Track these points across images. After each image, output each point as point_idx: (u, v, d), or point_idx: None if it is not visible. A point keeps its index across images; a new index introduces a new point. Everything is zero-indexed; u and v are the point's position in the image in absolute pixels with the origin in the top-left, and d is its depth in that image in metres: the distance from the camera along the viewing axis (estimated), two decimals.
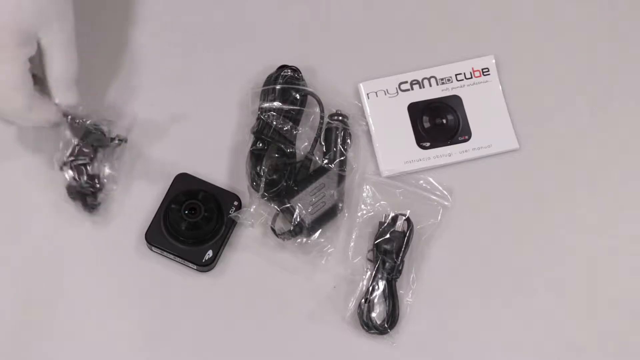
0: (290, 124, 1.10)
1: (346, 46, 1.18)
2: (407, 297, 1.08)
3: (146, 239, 1.08)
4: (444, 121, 1.15)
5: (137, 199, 1.11)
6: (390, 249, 1.08)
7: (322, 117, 1.12)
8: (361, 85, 1.15)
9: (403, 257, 1.08)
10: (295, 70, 1.12)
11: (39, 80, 1.04)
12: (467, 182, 1.13)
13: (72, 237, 1.10)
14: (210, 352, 1.07)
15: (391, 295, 1.07)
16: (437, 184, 1.12)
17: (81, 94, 1.06)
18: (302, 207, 1.08)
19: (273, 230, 1.08)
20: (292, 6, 1.19)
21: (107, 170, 1.09)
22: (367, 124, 1.14)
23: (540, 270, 1.10)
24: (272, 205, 1.08)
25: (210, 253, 1.08)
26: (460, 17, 1.19)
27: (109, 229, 1.10)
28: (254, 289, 1.09)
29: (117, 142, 1.08)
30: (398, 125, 1.15)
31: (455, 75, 1.16)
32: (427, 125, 1.15)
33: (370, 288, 1.08)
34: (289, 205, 1.08)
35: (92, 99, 1.11)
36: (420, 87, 1.16)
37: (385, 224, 1.09)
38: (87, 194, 1.07)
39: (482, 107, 1.15)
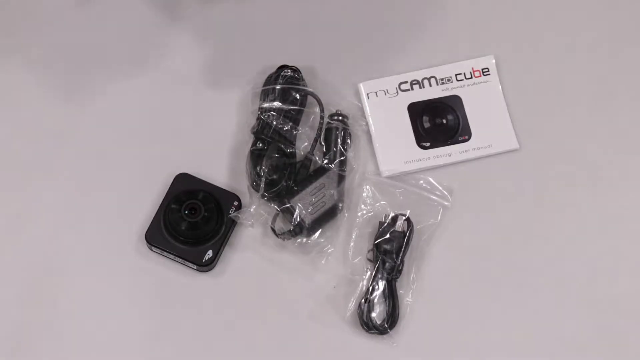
0: (290, 124, 1.10)
1: (346, 46, 1.18)
2: (407, 297, 1.08)
3: (146, 239, 1.08)
4: (444, 121, 1.15)
5: (137, 199, 1.11)
6: (390, 249, 1.08)
7: (322, 117, 1.12)
8: (361, 85, 1.15)
9: (403, 257, 1.08)
10: (295, 70, 1.12)
11: None
12: (467, 182, 1.13)
13: (72, 237, 1.10)
14: (210, 352, 1.07)
15: (391, 295, 1.07)
16: (437, 184, 1.12)
17: None
18: (302, 207, 1.08)
19: (273, 230, 1.08)
20: (292, 6, 1.19)
21: None
22: (367, 124, 1.14)
23: (540, 270, 1.10)
24: (272, 205, 1.08)
25: (210, 253, 1.08)
26: (460, 17, 1.19)
27: (109, 229, 1.10)
28: (254, 289, 1.09)
29: None
30: (398, 125, 1.15)
31: (455, 75, 1.16)
32: (427, 125, 1.15)
33: (370, 288, 1.08)
34: (289, 205, 1.08)
35: None
36: (420, 87, 1.16)
37: (385, 224, 1.09)
38: None
39: (482, 107, 1.15)
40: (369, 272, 1.09)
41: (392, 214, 1.10)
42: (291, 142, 1.10)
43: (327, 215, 1.09)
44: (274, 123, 1.10)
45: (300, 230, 1.08)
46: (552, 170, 1.14)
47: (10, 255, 1.10)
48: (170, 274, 1.09)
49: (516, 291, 1.10)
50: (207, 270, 1.09)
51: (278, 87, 1.11)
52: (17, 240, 1.10)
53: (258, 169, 1.08)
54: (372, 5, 1.19)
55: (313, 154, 1.11)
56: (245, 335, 1.08)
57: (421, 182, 1.12)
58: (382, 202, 1.11)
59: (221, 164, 1.12)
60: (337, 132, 1.11)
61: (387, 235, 1.09)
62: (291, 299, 1.09)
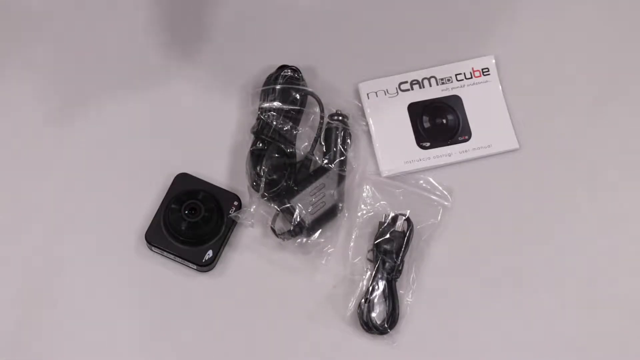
0: (290, 124, 1.10)
1: (346, 46, 1.18)
2: (407, 297, 1.08)
3: (146, 239, 1.08)
4: (444, 121, 1.15)
5: (137, 199, 1.11)
6: (390, 249, 1.08)
7: (322, 117, 1.12)
8: (361, 85, 1.15)
9: (403, 257, 1.08)
10: (295, 70, 1.12)
11: None
12: (467, 182, 1.13)
13: (72, 237, 1.10)
14: (210, 352, 1.07)
15: (391, 295, 1.07)
16: (437, 184, 1.12)
17: None
18: (302, 207, 1.08)
19: (273, 230, 1.08)
20: (292, 6, 1.19)
21: None
22: (367, 124, 1.14)
23: (540, 270, 1.10)
24: (272, 205, 1.08)
25: (210, 253, 1.08)
26: (460, 17, 1.19)
27: (109, 229, 1.10)
28: (254, 289, 1.09)
29: None
30: (398, 125, 1.15)
31: (455, 75, 1.16)
32: (427, 125, 1.15)
33: (370, 288, 1.08)
34: (289, 205, 1.08)
35: None
36: (420, 87, 1.16)
37: (385, 224, 1.09)
38: None
39: (482, 107, 1.15)
40: (369, 272, 1.09)
41: (392, 214, 1.10)
42: (291, 142, 1.10)
43: (327, 215, 1.09)
44: (274, 123, 1.10)
45: (300, 230, 1.08)
46: (552, 170, 1.14)
47: (10, 255, 1.10)
48: (170, 274, 1.09)
49: (516, 291, 1.10)
50: (207, 270, 1.09)
51: (278, 87, 1.11)
52: (17, 240, 1.10)
53: (258, 169, 1.08)
54: (372, 6, 1.19)
55: (313, 154, 1.11)
56: (245, 335, 1.08)
57: (421, 182, 1.12)
58: (382, 202, 1.11)
59: (221, 164, 1.12)
60: (337, 132, 1.11)
61: (387, 235, 1.09)
62: (291, 299, 1.09)
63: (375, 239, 1.09)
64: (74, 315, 1.08)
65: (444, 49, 1.17)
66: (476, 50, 1.17)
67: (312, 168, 1.11)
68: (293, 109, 1.11)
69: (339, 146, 1.11)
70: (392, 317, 1.07)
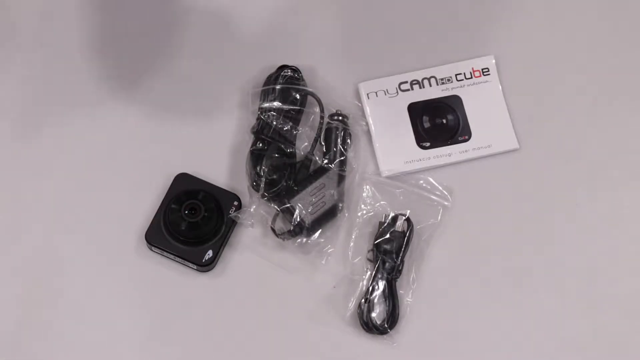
0: (290, 124, 1.10)
1: (346, 46, 1.18)
2: (407, 297, 1.08)
3: (146, 239, 1.08)
4: (444, 121, 1.15)
5: (137, 199, 1.11)
6: (390, 249, 1.08)
7: (322, 117, 1.12)
8: (361, 85, 1.15)
9: (403, 257, 1.08)
10: (295, 70, 1.12)
11: None
12: (467, 182, 1.13)
13: (73, 237, 1.10)
14: (210, 352, 1.07)
15: (391, 295, 1.07)
16: (437, 184, 1.12)
17: None
18: (302, 207, 1.08)
19: (273, 230, 1.08)
20: (292, 6, 1.19)
21: None
22: (367, 124, 1.14)
23: (540, 270, 1.10)
24: (272, 205, 1.08)
25: (210, 253, 1.08)
26: (460, 17, 1.19)
27: (109, 229, 1.10)
28: (254, 289, 1.09)
29: None
30: (398, 125, 1.15)
31: (455, 75, 1.16)
32: (427, 125, 1.15)
33: (370, 288, 1.08)
34: (289, 205, 1.08)
35: None
36: (420, 87, 1.16)
37: (385, 224, 1.09)
38: None
39: (482, 107, 1.15)
40: (369, 272, 1.09)
41: (392, 214, 1.10)
42: (291, 142, 1.10)
43: (327, 215, 1.09)
44: (274, 123, 1.10)
45: (300, 230, 1.08)
46: (552, 170, 1.14)
47: (10, 255, 1.10)
48: (170, 274, 1.09)
49: (516, 291, 1.10)
50: (207, 270, 1.09)
51: (278, 87, 1.11)
52: (17, 240, 1.10)
53: (258, 169, 1.08)
54: (372, 6, 1.19)
55: (313, 154, 1.11)
56: (245, 335, 1.08)
57: (421, 182, 1.12)
58: (382, 202, 1.11)
59: (221, 164, 1.12)
60: (337, 132, 1.11)
61: (387, 235, 1.09)
62: (291, 299, 1.09)
63: (375, 239, 1.09)
64: (74, 315, 1.08)
65: (444, 49, 1.17)
66: (476, 50, 1.17)
67: (312, 168, 1.11)
68: (293, 109, 1.11)
69: (339, 146, 1.11)
70: (392, 317, 1.07)
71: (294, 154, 1.10)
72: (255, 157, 1.09)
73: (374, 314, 1.07)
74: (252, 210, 1.09)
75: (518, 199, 1.13)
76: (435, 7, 1.19)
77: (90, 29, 1.17)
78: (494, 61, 1.17)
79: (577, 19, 1.19)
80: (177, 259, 1.08)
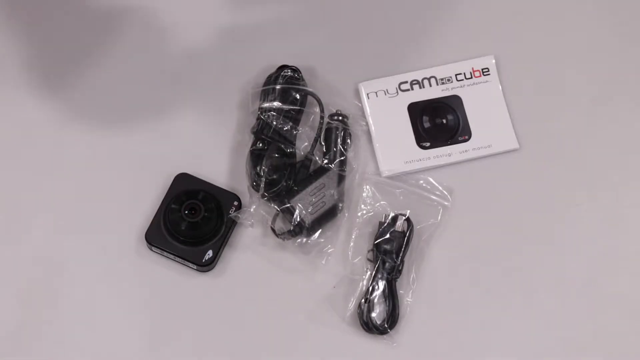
0: (290, 124, 1.10)
1: (346, 46, 1.18)
2: (407, 297, 1.08)
3: (146, 239, 1.08)
4: (444, 121, 1.15)
5: (137, 199, 1.11)
6: (390, 249, 1.08)
7: (322, 117, 1.12)
8: (361, 85, 1.15)
9: (403, 257, 1.08)
10: (295, 70, 1.12)
11: None
12: (467, 182, 1.13)
13: (73, 237, 1.10)
14: (210, 352, 1.07)
15: (391, 295, 1.07)
16: (437, 184, 1.12)
17: None
18: (302, 207, 1.08)
19: (273, 230, 1.08)
20: (292, 6, 1.19)
21: None
22: (367, 124, 1.14)
23: (540, 270, 1.10)
24: (272, 205, 1.08)
25: (210, 253, 1.08)
26: (460, 17, 1.19)
27: (109, 229, 1.10)
28: (254, 289, 1.09)
29: None
30: (398, 125, 1.15)
31: (455, 75, 1.16)
32: (427, 125, 1.15)
33: (370, 288, 1.08)
34: (289, 205, 1.08)
35: None
36: (420, 87, 1.16)
37: (385, 224, 1.09)
38: None
39: (482, 107, 1.15)
40: (369, 272, 1.09)
41: (392, 214, 1.10)
42: (291, 142, 1.10)
43: (327, 215, 1.09)
44: (274, 123, 1.10)
45: (300, 230, 1.08)
46: (552, 170, 1.14)
47: (10, 255, 1.10)
48: (170, 274, 1.09)
49: (516, 291, 1.10)
50: (207, 270, 1.09)
51: (278, 87, 1.11)
52: (17, 240, 1.10)
53: (258, 169, 1.08)
54: (372, 6, 1.19)
55: (313, 154, 1.11)
56: (245, 335, 1.08)
57: (421, 182, 1.12)
58: (382, 202, 1.11)
59: (221, 164, 1.12)
60: (337, 132, 1.11)
61: (387, 235, 1.09)
62: (291, 299, 1.09)
63: (375, 239, 1.09)
64: (74, 315, 1.08)
65: (444, 49, 1.17)
66: (476, 50, 1.17)
67: (312, 168, 1.11)
68: (293, 109, 1.11)
69: (339, 146, 1.11)
70: (392, 317, 1.07)
71: (294, 154, 1.10)
72: (255, 157, 1.09)
73: (374, 314, 1.07)
74: (252, 210, 1.09)
75: (518, 199, 1.13)
76: (435, 7, 1.19)
77: (82, 31, 1.17)
78: (494, 61, 1.17)
79: (577, 19, 1.19)
80: (177, 259, 1.08)
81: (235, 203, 1.10)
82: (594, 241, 1.12)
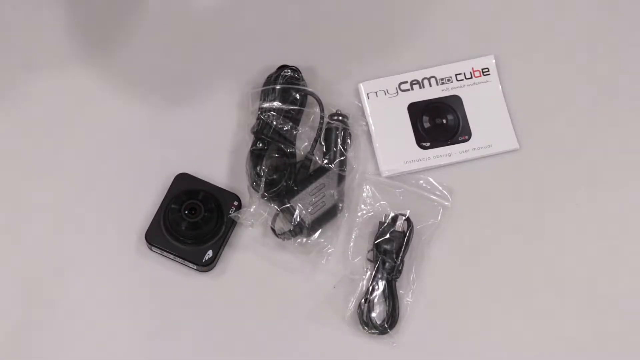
0: (290, 124, 1.10)
1: (346, 46, 1.18)
2: (407, 297, 1.08)
3: (146, 239, 1.08)
4: (444, 121, 1.15)
5: (137, 199, 1.11)
6: (390, 249, 1.08)
7: (322, 117, 1.12)
8: (361, 85, 1.15)
9: (403, 257, 1.08)
10: (295, 70, 1.12)
11: None
12: (467, 182, 1.13)
13: (72, 237, 1.10)
14: (210, 352, 1.07)
15: (391, 295, 1.07)
16: (437, 184, 1.12)
17: None
18: (302, 207, 1.08)
19: (273, 230, 1.08)
20: (292, 6, 1.19)
21: None
22: (367, 124, 1.14)
23: (540, 270, 1.10)
24: (272, 205, 1.08)
25: (210, 253, 1.08)
26: (461, 17, 1.19)
27: (109, 229, 1.10)
28: (254, 289, 1.09)
29: None
30: (398, 125, 1.15)
31: (455, 75, 1.16)
32: (427, 125, 1.15)
33: (370, 288, 1.08)
34: (289, 205, 1.08)
35: None
36: (420, 87, 1.16)
37: (385, 224, 1.09)
38: None
39: (482, 107, 1.15)
40: (369, 272, 1.09)
41: (392, 214, 1.10)
42: (291, 142, 1.10)
43: (327, 215, 1.09)
44: (274, 123, 1.10)
45: (300, 230, 1.08)
46: (552, 170, 1.14)
47: (10, 255, 1.10)
48: (170, 274, 1.09)
49: (516, 291, 1.10)
50: (207, 270, 1.09)
51: (278, 87, 1.11)
52: (17, 240, 1.10)
53: (258, 169, 1.08)
54: (372, 5, 1.19)
55: (313, 154, 1.11)
56: (245, 335, 1.08)
57: (421, 182, 1.12)
58: (382, 202, 1.11)
59: (221, 164, 1.12)
60: (337, 132, 1.11)
61: (387, 235, 1.09)
62: (291, 299, 1.09)
63: (375, 239, 1.09)
64: (74, 315, 1.08)
65: (444, 49, 1.17)
66: (476, 50, 1.17)
67: (312, 168, 1.11)
68: (293, 109, 1.11)
69: (339, 146, 1.11)
70: (392, 317, 1.07)
71: (294, 154, 1.10)
72: (255, 157, 1.09)
73: (374, 314, 1.07)
74: (252, 210, 1.09)
75: (518, 199, 1.13)
76: (436, 7, 1.19)
77: (88, 31, 1.17)
78: (494, 61, 1.17)
79: (577, 18, 1.19)
80: (177, 259, 1.08)
81: (235, 203, 1.10)
82: (594, 241, 1.12)
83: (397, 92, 1.15)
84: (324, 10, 1.19)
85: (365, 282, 1.09)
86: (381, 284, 1.08)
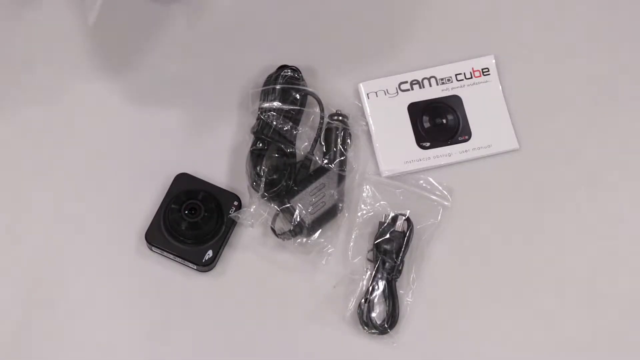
0: (290, 124, 1.10)
1: (346, 46, 1.18)
2: (407, 297, 1.08)
3: (146, 239, 1.08)
4: (444, 121, 1.15)
5: (137, 199, 1.11)
6: (390, 249, 1.08)
7: (322, 117, 1.12)
8: (361, 85, 1.15)
9: (403, 257, 1.08)
10: (295, 70, 1.12)
11: None
12: (467, 182, 1.13)
13: (72, 237, 1.10)
14: (210, 352, 1.07)
15: (391, 295, 1.07)
16: (437, 184, 1.12)
17: None
18: (302, 207, 1.08)
19: (273, 230, 1.08)
20: (292, 6, 1.19)
21: None
22: (367, 124, 1.14)
23: (540, 270, 1.10)
24: (272, 205, 1.08)
25: (210, 253, 1.08)
26: (460, 17, 1.19)
27: (109, 229, 1.10)
28: (254, 289, 1.09)
29: None
30: (398, 125, 1.15)
31: (455, 75, 1.16)
32: (427, 125, 1.15)
33: (370, 288, 1.08)
34: (289, 205, 1.08)
35: None
36: (420, 87, 1.16)
37: (385, 224, 1.09)
38: None
39: (482, 107, 1.15)
40: (369, 272, 1.09)
41: (392, 214, 1.10)
42: (291, 142, 1.10)
43: (327, 215, 1.09)
44: (274, 123, 1.10)
45: (300, 230, 1.08)
46: (552, 170, 1.14)
47: (10, 255, 1.10)
48: (170, 274, 1.09)
49: (516, 291, 1.10)
50: (207, 270, 1.09)
51: (278, 87, 1.11)
52: (17, 240, 1.10)
53: (258, 169, 1.08)
54: (372, 5, 1.19)
55: (313, 154, 1.11)
56: (245, 335, 1.08)
57: (421, 182, 1.12)
58: (382, 202, 1.11)
59: (221, 164, 1.12)
60: (337, 132, 1.11)
61: (387, 235, 1.09)
62: (291, 299, 1.09)
63: (375, 239, 1.09)
64: (74, 315, 1.08)
65: (444, 49, 1.17)
66: (476, 50, 1.17)
67: (312, 168, 1.11)
68: (293, 109, 1.11)
69: (339, 146, 1.11)
70: (392, 317, 1.07)
71: (294, 154, 1.10)
72: (255, 157, 1.09)
73: (374, 314, 1.07)
74: (252, 210, 1.09)
75: (518, 199, 1.13)
76: (436, 7, 1.19)
77: (87, 31, 1.17)
78: (494, 61, 1.17)
79: (577, 18, 1.19)
80: (177, 259, 1.08)
81: (235, 203, 1.10)
82: (594, 241, 1.12)
83: (397, 92, 1.15)
84: (324, 10, 1.19)
85: (365, 282, 1.09)
86: (381, 284, 1.08)
